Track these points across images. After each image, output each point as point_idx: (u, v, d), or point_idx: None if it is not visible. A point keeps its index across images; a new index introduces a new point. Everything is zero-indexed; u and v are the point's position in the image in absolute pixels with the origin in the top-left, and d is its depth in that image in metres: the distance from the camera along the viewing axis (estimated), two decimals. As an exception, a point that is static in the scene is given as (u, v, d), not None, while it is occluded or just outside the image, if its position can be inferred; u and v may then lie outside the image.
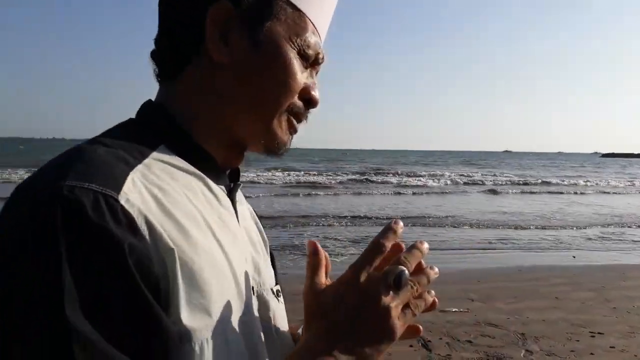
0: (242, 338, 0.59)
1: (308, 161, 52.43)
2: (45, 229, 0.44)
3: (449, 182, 24.75)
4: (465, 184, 24.43)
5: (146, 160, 0.57)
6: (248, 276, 0.65)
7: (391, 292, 0.57)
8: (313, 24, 0.67)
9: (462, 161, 62.24)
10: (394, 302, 0.57)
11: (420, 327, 0.65)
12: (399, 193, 19.23)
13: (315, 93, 0.69)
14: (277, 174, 26.36)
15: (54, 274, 0.42)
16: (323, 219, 11.54)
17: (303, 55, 0.66)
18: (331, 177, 26.59)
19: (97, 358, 0.42)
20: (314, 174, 28.42)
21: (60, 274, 0.42)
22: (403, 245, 0.65)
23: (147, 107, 0.67)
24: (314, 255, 0.64)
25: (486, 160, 68.02)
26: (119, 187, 0.49)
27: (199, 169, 0.64)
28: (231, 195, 0.70)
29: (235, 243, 0.64)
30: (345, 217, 11.94)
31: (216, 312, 0.55)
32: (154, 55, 0.67)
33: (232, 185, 0.71)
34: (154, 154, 0.59)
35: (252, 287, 0.66)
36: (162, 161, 0.59)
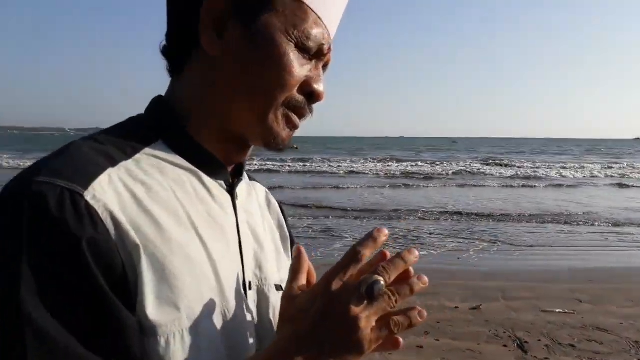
0: (220, 333, 0.59)
1: (414, 150, 51.52)
2: (11, 221, 0.48)
3: (569, 173, 22.86)
4: (591, 176, 22.26)
5: (137, 156, 0.60)
6: (240, 271, 0.66)
7: (365, 302, 0.54)
8: (317, 14, 0.64)
9: (586, 150, 56.98)
10: (365, 313, 0.53)
11: (401, 340, 0.60)
12: (510, 186, 18.16)
13: (319, 86, 0.67)
14: (378, 165, 26.31)
15: (13, 262, 0.47)
16: (415, 213, 11.30)
17: (302, 48, 0.64)
18: (439, 167, 25.88)
19: (47, 342, 0.46)
20: (419, 164, 27.86)
21: (20, 263, 0.47)
22: (388, 254, 0.60)
23: (154, 103, 0.69)
24: (296, 259, 0.64)
25: (615, 149, 61.56)
26: (87, 184, 0.52)
27: (195, 165, 0.65)
28: (232, 190, 0.70)
29: (224, 238, 0.65)
30: (440, 212, 11.56)
31: (187, 307, 0.55)
32: (163, 50, 0.68)
33: (233, 180, 0.71)
34: (147, 150, 0.62)
35: (249, 282, 0.68)
36: (154, 156, 0.62)
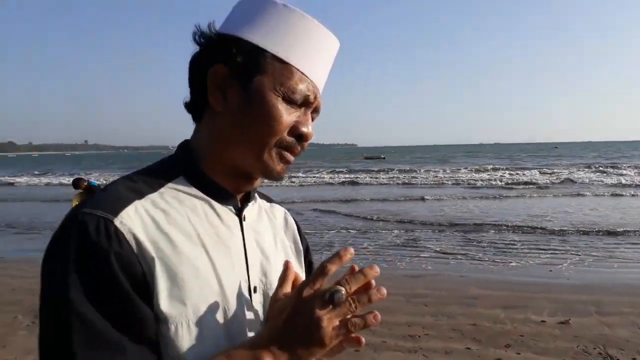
0: (221, 327, 0.73)
1: (510, 158, 49.06)
2: (64, 241, 0.66)
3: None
4: None
5: (162, 189, 0.77)
6: (246, 278, 0.80)
7: (329, 307, 0.65)
8: (302, 72, 0.79)
9: None
10: (327, 315, 0.64)
11: (362, 339, 0.70)
12: (618, 194, 16.78)
13: (305, 128, 0.80)
14: (475, 175, 25.49)
15: (64, 272, 0.64)
16: (509, 225, 10.84)
17: (289, 100, 0.78)
18: (540, 175, 24.52)
19: (89, 326, 0.62)
20: (520, 173, 26.55)
21: (69, 272, 0.64)
22: (356, 268, 0.70)
23: (180, 147, 0.86)
24: (283, 271, 0.79)
25: None
26: (117, 213, 0.69)
27: (208, 195, 0.80)
28: (240, 214, 0.84)
29: (228, 253, 0.79)
30: (534, 225, 10.99)
31: (192, 304, 0.70)
32: (186, 105, 0.85)
33: (242, 205, 0.85)
34: (170, 184, 0.78)
35: (255, 287, 0.81)
36: (175, 189, 0.78)
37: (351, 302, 0.66)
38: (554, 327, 4.56)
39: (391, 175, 28.26)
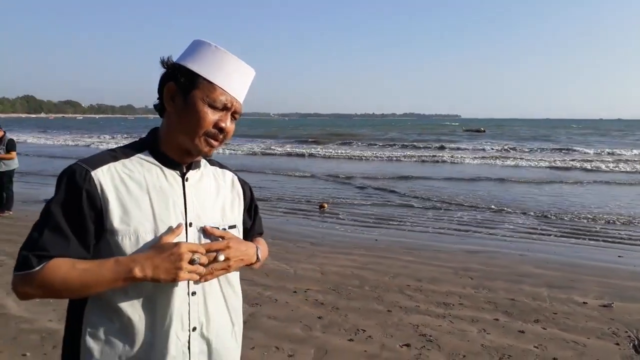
0: (151, 240, 1.16)
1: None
2: (62, 177, 1.15)
3: None
4: None
5: (132, 157, 1.23)
6: (184, 217, 1.22)
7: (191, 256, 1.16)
8: (222, 88, 1.22)
9: None
10: (186, 265, 1.14)
11: (204, 278, 1.21)
12: None
13: (224, 124, 1.23)
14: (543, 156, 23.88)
15: (55, 194, 1.16)
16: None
17: (212, 106, 1.21)
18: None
19: (52, 220, 1.11)
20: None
21: (56, 194, 1.13)
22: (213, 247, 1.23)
23: (150, 131, 1.31)
24: (176, 228, 1.20)
25: None
26: (94, 167, 1.16)
27: (161, 163, 1.25)
28: (184, 176, 1.27)
29: (165, 199, 1.21)
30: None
31: (134, 225, 1.15)
32: (155, 106, 1.30)
33: (186, 171, 1.28)
34: (138, 155, 1.24)
35: (190, 222, 1.23)
36: (141, 158, 1.24)
37: (200, 264, 1.18)
38: (593, 309, 4.59)
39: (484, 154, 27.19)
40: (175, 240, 1.18)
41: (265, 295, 4.81)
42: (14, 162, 9.01)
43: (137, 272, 1.11)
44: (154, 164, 1.25)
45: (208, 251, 1.22)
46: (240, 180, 1.50)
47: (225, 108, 1.25)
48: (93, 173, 1.16)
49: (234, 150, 27.40)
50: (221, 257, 1.23)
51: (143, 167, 1.24)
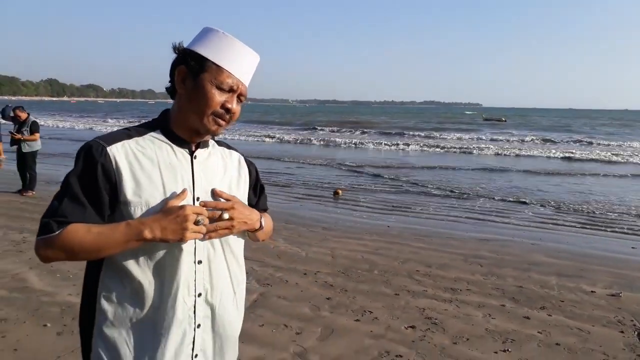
0: (161, 206, 1.24)
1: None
2: (80, 152, 1.23)
3: None
4: None
5: (145, 136, 1.30)
6: (192, 191, 1.30)
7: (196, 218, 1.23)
8: (229, 71, 1.29)
9: None
10: (192, 226, 1.22)
11: (209, 235, 1.28)
12: None
13: (230, 105, 1.29)
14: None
15: (74, 166, 1.26)
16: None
17: (219, 88, 1.28)
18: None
19: (71, 190, 1.20)
20: None
21: (75, 167, 1.22)
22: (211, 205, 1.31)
23: (162, 112, 1.39)
24: (180, 194, 1.26)
25: None
26: (110, 144, 1.24)
27: (171, 141, 1.32)
28: (192, 154, 1.34)
29: (175, 174, 1.28)
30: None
31: (145, 197, 1.23)
32: (167, 89, 1.37)
33: (195, 149, 1.35)
34: (151, 133, 1.32)
35: (198, 197, 1.32)
36: (153, 137, 1.31)
37: (204, 224, 1.26)
38: (601, 298, 4.61)
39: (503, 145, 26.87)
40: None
41: (277, 276, 4.94)
42: (37, 144, 9.28)
43: (147, 234, 1.20)
44: (165, 142, 1.33)
45: (214, 209, 1.31)
46: (246, 160, 1.58)
47: (231, 90, 1.32)
48: (108, 149, 1.25)
49: (253, 136, 27.55)
50: (225, 216, 1.32)
51: (154, 144, 1.32)
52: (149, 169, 1.28)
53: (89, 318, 1.31)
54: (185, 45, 1.35)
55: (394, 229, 7.25)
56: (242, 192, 1.50)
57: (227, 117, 1.33)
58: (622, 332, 3.87)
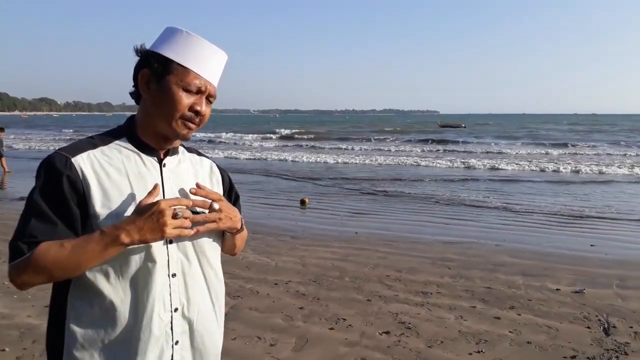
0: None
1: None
2: (43, 165, 1.16)
3: None
4: None
5: (110, 144, 1.24)
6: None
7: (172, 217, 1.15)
8: (196, 72, 1.23)
9: None
10: (170, 220, 1.13)
11: (193, 230, 1.19)
12: None
13: (199, 107, 1.24)
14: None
15: (37, 182, 1.17)
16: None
17: (186, 90, 1.22)
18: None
19: (37, 209, 1.12)
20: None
21: (38, 182, 1.14)
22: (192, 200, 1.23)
23: (129, 119, 1.32)
24: (151, 191, 1.20)
25: None
26: (74, 154, 1.17)
27: (139, 149, 1.25)
28: (161, 162, 1.28)
29: (144, 185, 1.21)
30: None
31: (114, 208, 1.16)
32: (130, 93, 1.31)
33: (164, 157, 1.29)
34: (117, 142, 1.25)
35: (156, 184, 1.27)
36: (119, 144, 1.25)
37: (184, 218, 1.17)
38: (566, 296, 4.74)
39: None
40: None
41: (247, 287, 4.84)
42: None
43: (124, 238, 1.12)
44: (132, 151, 1.27)
45: (205, 198, 1.26)
46: (219, 167, 1.51)
47: (199, 92, 1.26)
48: (73, 160, 1.18)
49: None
50: (216, 206, 1.26)
51: (121, 153, 1.25)
52: (118, 180, 1.21)
53: (57, 341, 1.22)
54: (148, 47, 1.29)
55: (362, 235, 7.27)
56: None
57: (197, 120, 1.27)
58: (588, 327, 3.98)
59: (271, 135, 41.86)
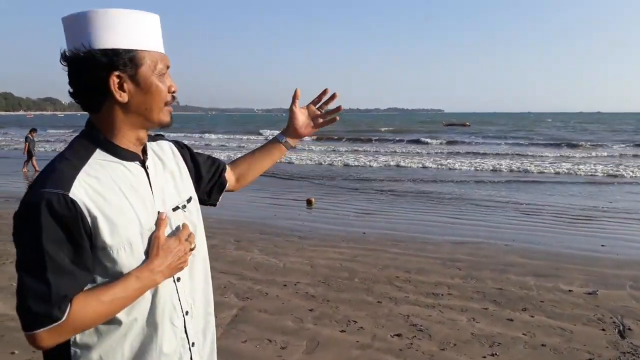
0: (142, 244, 1.11)
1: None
2: (34, 217, 0.98)
3: None
4: None
5: (89, 161, 1.08)
6: (152, 211, 1.15)
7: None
8: (157, 51, 1.13)
9: None
10: (187, 247, 1.18)
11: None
12: None
13: (174, 87, 1.17)
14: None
15: (37, 231, 0.98)
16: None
17: (160, 74, 1.14)
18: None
19: (53, 261, 0.98)
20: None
21: (40, 231, 0.98)
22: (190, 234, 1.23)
23: (88, 127, 1.15)
24: (158, 218, 1.16)
25: None
26: (69, 188, 1.01)
27: (120, 158, 1.13)
28: (144, 165, 1.18)
29: (140, 196, 1.13)
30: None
31: (125, 235, 1.06)
32: (73, 96, 1.12)
33: (144, 159, 1.20)
34: (93, 156, 1.10)
35: (159, 211, 1.16)
36: (98, 159, 1.10)
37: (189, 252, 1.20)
38: (579, 297, 4.67)
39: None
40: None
41: (256, 289, 4.80)
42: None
43: (159, 280, 1.13)
44: (114, 162, 1.14)
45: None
46: (175, 144, 1.43)
47: (167, 69, 1.18)
48: (71, 195, 1.02)
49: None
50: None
51: (105, 168, 1.11)
52: (115, 201, 1.09)
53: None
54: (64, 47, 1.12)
55: (370, 235, 7.21)
56: (186, 183, 1.36)
57: (173, 100, 1.20)
58: (603, 330, 3.91)
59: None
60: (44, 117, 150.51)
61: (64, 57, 1.10)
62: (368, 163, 19.52)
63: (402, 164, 19.26)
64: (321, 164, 19.21)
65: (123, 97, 1.11)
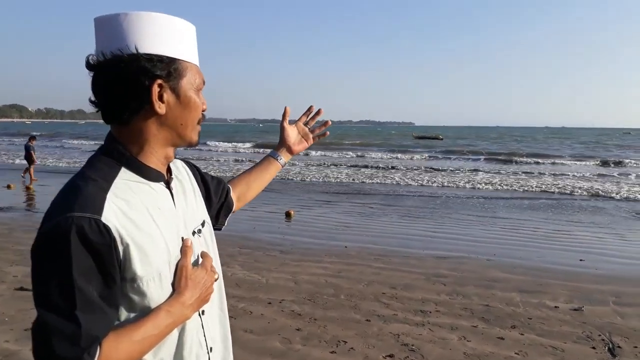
0: (170, 274, 1.00)
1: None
2: (65, 237, 0.86)
3: None
4: None
5: (115, 182, 0.97)
6: (177, 236, 1.05)
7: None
8: (196, 64, 1.07)
9: None
10: (213, 277, 1.10)
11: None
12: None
13: (205, 105, 1.09)
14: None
15: (66, 259, 0.86)
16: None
17: (198, 90, 1.07)
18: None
19: (83, 295, 0.86)
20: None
21: (70, 259, 0.86)
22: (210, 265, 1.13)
23: (110, 142, 1.04)
24: (183, 245, 1.06)
25: None
26: (100, 212, 0.89)
27: (146, 178, 1.03)
28: (169, 186, 1.09)
29: (167, 220, 1.03)
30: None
31: (155, 264, 0.96)
32: (99, 105, 1.02)
33: (169, 180, 1.11)
34: (119, 176, 0.99)
35: (182, 238, 1.06)
36: (124, 180, 0.99)
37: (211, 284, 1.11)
38: (566, 313, 4.67)
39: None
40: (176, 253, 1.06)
41: (239, 307, 4.64)
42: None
43: (190, 314, 1.04)
44: (141, 182, 1.03)
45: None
46: (186, 163, 1.33)
47: (202, 85, 1.11)
48: (104, 220, 0.90)
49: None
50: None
51: (132, 189, 1.00)
52: (145, 226, 0.98)
53: None
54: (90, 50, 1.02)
55: (351, 249, 7.13)
56: (200, 204, 1.26)
57: (204, 118, 1.12)
58: (593, 347, 3.91)
59: (246, 143, 42.66)
60: (11, 124, 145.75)
61: (99, 61, 0.99)
62: (344, 174, 19.51)
63: (375, 175, 19.32)
64: (292, 179, 19.10)
65: (162, 109, 1.02)
